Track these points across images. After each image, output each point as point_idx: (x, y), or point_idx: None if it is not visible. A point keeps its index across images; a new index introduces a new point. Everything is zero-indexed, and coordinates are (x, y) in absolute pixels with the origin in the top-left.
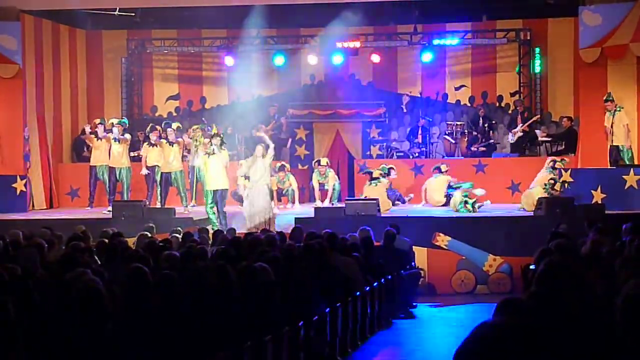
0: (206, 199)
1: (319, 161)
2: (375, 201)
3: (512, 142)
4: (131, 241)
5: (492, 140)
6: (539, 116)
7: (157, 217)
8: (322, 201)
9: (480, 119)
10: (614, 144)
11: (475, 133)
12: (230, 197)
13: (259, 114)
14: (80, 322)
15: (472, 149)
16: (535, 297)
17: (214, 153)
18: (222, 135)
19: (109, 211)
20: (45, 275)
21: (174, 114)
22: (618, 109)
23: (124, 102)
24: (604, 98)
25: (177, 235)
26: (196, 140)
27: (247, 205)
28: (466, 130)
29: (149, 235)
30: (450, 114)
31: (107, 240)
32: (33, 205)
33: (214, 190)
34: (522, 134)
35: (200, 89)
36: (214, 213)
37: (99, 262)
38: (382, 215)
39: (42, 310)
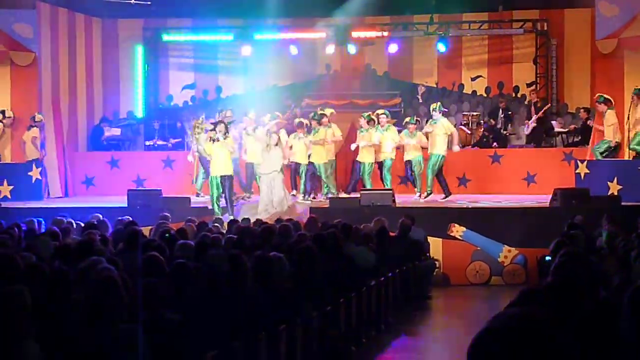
0: (211, 186)
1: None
2: (390, 191)
3: (527, 133)
4: (146, 230)
5: (506, 132)
6: (549, 105)
7: (172, 206)
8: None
9: (500, 110)
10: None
11: (493, 123)
12: (238, 185)
13: (274, 103)
14: (95, 313)
15: (487, 140)
16: (551, 288)
17: (218, 140)
18: (226, 123)
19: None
20: (61, 263)
21: (190, 103)
22: None
23: (140, 90)
24: (634, 91)
25: (192, 224)
26: (197, 127)
27: (266, 191)
28: (482, 121)
29: (166, 224)
30: (466, 105)
31: (122, 229)
32: (48, 194)
33: (220, 177)
34: (536, 124)
35: (215, 78)
36: (218, 201)
37: (114, 251)
38: (397, 206)
39: (57, 299)
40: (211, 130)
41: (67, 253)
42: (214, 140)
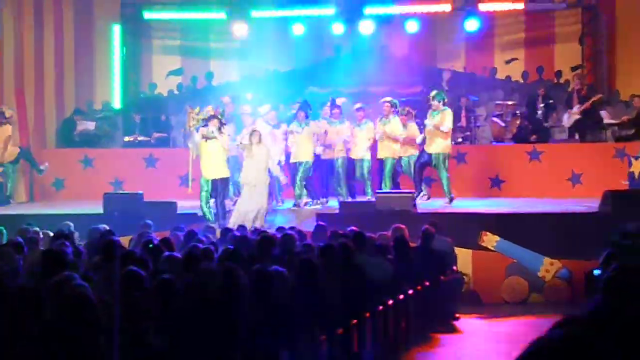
0: (201, 189)
1: None
2: (411, 194)
3: (568, 125)
4: (126, 240)
5: (547, 124)
6: (600, 96)
7: (156, 212)
8: None
9: (540, 98)
10: None
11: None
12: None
13: (274, 92)
14: (67, 337)
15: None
16: (601, 308)
17: (211, 137)
18: (220, 117)
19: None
20: (26, 280)
21: (176, 92)
22: None
23: (117, 78)
24: None
25: (179, 233)
26: (192, 119)
27: (246, 198)
28: (518, 112)
29: (148, 233)
30: (500, 92)
31: (97, 240)
32: (10, 198)
33: (212, 180)
34: (579, 116)
35: (206, 63)
36: (209, 207)
37: (88, 265)
38: (420, 211)
39: (22, 321)
40: (203, 126)
41: (34, 268)
42: (207, 138)
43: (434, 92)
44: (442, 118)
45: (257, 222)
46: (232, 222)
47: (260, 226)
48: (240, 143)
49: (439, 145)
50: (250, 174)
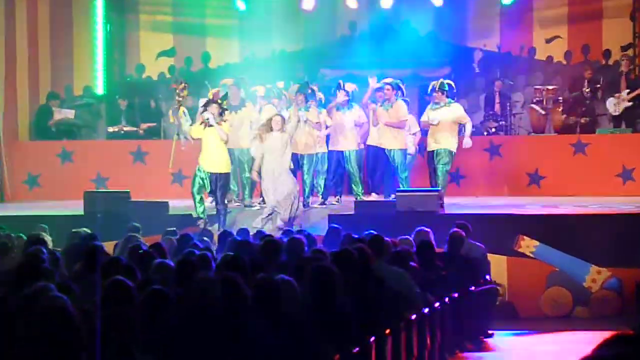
0: (193, 181)
1: None
2: (436, 193)
3: (615, 113)
4: (110, 246)
5: (595, 112)
6: None
7: (145, 213)
8: None
9: (585, 82)
10: None
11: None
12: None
13: (280, 75)
14: (42, 355)
15: (569, 122)
16: None
17: (210, 125)
18: (221, 101)
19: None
20: None
21: (168, 75)
22: None
23: (99, 59)
24: None
25: (172, 238)
26: (178, 95)
27: (271, 195)
28: (560, 97)
29: (136, 238)
30: (539, 76)
31: (77, 245)
32: None
33: (211, 174)
34: (629, 103)
35: (202, 42)
36: (201, 196)
37: (67, 275)
38: (444, 211)
39: None
40: (204, 112)
41: (6, 277)
42: (206, 125)
43: (440, 82)
44: (457, 111)
45: (292, 210)
46: (278, 223)
47: (297, 216)
48: (257, 133)
49: (448, 141)
50: (270, 165)
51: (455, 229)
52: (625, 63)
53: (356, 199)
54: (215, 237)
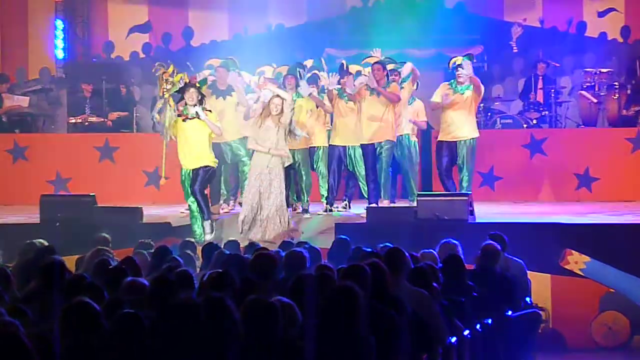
0: (184, 186)
1: None
2: (465, 198)
3: None
4: (72, 261)
5: None
6: None
7: (114, 221)
8: None
9: None
10: None
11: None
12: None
13: (277, 55)
14: None
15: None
16: None
17: (192, 116)
18: (200, 85)
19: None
20: None
21: (141, 55)
22: None
23: (59, 35)
24: None
25: (146, 251)
26: (166, 82)
27: (250, 199)
28: (616, 83)
29: (104, 251)
30: (591, 56)
31: (32, 260)
32: None
33: (193, 171)
34: None
35: (183, 14)
36: (201, 222)
37: (19, 295)
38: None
39: None
40: (180, 100)
41: None
42: (184, 117)
43: (461, 58)
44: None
45: (273, 232)
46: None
47: (290, 238)
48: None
49: (470, 129)
50: (261, 159)
51: (489, 242)
52: None
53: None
54: (199, 250)
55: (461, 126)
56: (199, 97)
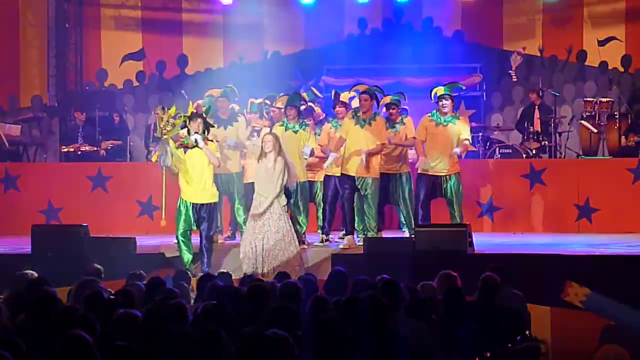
0: (177, 221)
1: None
2: (463, 229)
3: None
4: (63, 293)
5: None
6: None
7: (107, 252)
8: None
9: None
10: None
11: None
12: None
13: (274, 83)
14: None
15: (627, 143)
16: None
17: (194, 145)
18: (204, 116)
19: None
20: None
21: (135, 83)
22: None
23: (52, 63)
24: None
25: (140, 283)
26: (165, 121)
27: (250, 237)
28: (617, 112)
29: (96, 283)
30: (591, 85)
31: (23, 291)
32: None
33: (194, 205)
34: None
35: (178, 42)
36: (189, 245)
37: (10, 327)
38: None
39: None
40: (183, 128)
41: None
42: (186, 147)
43: (446, 87)
44: (464, 127)
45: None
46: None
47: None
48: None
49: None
50: (264, 184)
51: (488, 273)
52: None
53: (365, 235)
54: (193, 282)
55: (444, 159)
56: (204, 127)
